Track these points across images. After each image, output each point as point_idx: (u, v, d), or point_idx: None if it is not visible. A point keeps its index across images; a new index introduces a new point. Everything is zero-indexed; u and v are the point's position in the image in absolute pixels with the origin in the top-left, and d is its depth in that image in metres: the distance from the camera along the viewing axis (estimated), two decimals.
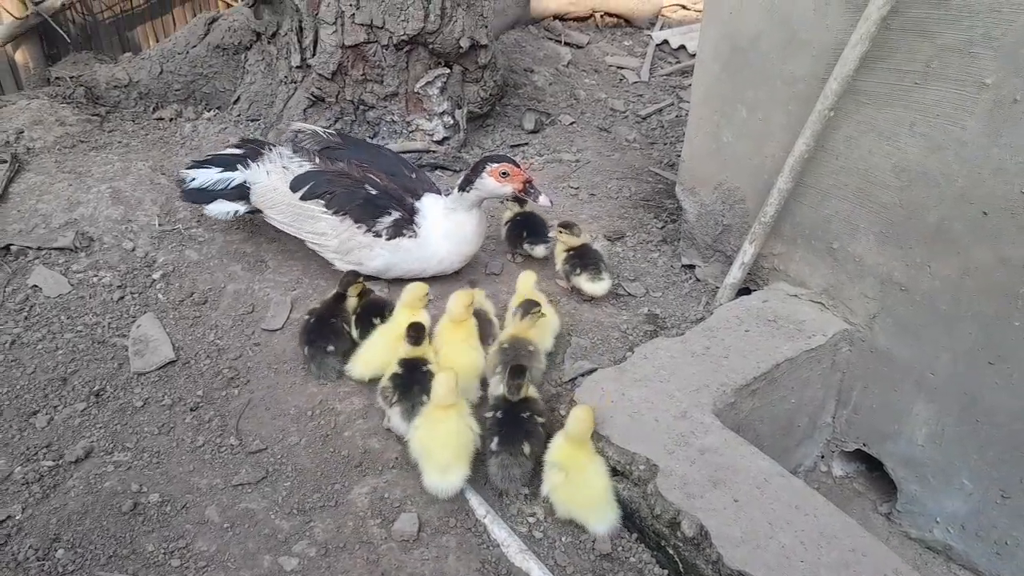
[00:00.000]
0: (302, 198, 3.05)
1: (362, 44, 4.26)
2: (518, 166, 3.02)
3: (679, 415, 2.48)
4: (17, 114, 4.35)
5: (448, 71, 4.51)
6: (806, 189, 2.93)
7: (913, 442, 2.87)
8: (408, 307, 2.76)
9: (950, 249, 2.57)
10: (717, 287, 3.42)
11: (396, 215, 3.10)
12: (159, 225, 3.56)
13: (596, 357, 2.93)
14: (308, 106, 4.47)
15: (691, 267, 3.56)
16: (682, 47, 7.14)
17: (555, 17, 7.30)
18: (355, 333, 2.85)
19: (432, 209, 3.16)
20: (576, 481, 2.25)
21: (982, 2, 2.27)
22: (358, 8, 4.16)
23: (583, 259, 3.21)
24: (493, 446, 2.35)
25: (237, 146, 3.43)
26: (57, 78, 5.09)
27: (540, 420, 2.40)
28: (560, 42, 6.77)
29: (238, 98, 4.83)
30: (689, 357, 2.78)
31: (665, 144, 5.12)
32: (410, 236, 3.12)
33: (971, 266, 2.53)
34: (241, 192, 3.23)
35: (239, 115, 4.75)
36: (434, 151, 4.50)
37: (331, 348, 2.75)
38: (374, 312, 2.88)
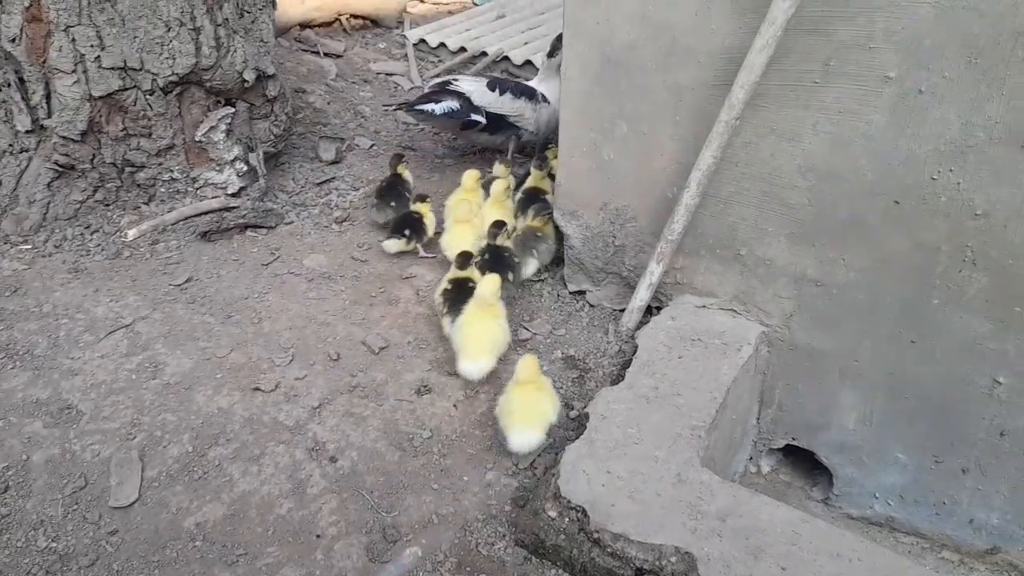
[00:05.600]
0: (499, 94, 4.37)
1: (117, 92, 3.36)
2: None
3: (675, 481, 2.23)
4: None
5: (232, 110, 3.74)
6: (706, 199, 2.80)
7: (844, 428, 2.92)
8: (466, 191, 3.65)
9: (863, 241, 2.59)
10: (615, 310, 3.22)
11: (539, 94, 4.51)
12: None
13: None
14: (54, 178, 3.45)
15: (581, 292, 3.32)
16: (441, 44, 6.84)
17: (301, 26, 6.60)
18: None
19: (540, 87, 4.58)
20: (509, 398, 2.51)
21: None
22: (104, 49, 3.25)
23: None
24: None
25: (433, 90, 4.42)
26: None
27: (516, 259, 3.21)
28: (318, 53, 6.12)
29: None
30: (644, 404, 2.53)
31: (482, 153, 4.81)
32: (545, 103, 4.51)
33: (886, 254, 2.57)
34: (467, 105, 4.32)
35: None
36: (235, 207, 3.74)
37: (393, 204, 3.73)
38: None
